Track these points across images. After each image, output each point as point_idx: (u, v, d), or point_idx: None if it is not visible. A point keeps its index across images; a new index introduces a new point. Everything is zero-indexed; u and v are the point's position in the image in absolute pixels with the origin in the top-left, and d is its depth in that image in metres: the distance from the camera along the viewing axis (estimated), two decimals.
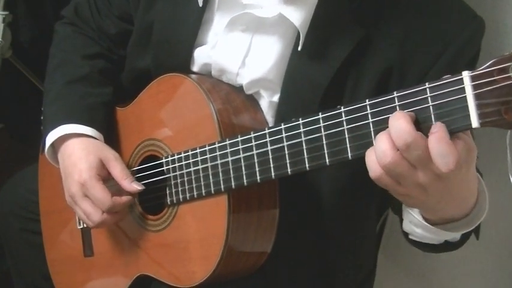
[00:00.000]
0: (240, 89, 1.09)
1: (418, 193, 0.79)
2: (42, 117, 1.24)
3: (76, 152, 1.15)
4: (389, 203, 1.12)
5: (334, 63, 0.99)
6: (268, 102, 1.07)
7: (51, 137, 1.18)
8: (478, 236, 0.99)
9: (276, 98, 1.06)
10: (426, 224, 0.92)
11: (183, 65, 1.12)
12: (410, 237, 1.00)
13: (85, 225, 1.27)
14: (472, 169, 0.81)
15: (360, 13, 0.98)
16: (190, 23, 1.10)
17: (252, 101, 1.09)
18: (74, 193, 1.13)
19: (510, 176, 0.79)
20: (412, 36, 0.98)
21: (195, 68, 1.13)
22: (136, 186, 1.11)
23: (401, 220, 1.01)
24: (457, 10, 1.00)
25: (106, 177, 1.13)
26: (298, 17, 0.98)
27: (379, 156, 0.76)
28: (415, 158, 0.74)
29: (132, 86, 1.22)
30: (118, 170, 1.12)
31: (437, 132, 0.73)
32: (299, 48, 0.99)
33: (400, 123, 0.74)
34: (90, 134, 1.17)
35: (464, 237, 0.97)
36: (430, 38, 0.97)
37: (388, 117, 0.76)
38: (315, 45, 1.00)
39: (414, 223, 0.95)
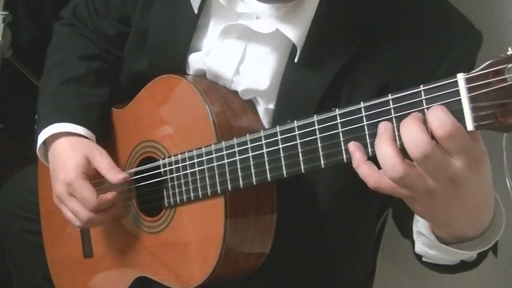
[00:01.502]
0: (236, 92, 1.09)
1: (427, 199, 0.75)
2: (36, 116, 1.24)
3: (64, 151, 1.15)
4: (398, 226, 1.10)
5: (329, 74, 0.99)
6: (264, 108, 1.07)
7: (43, 136, 1.18)
8: (496, 253, 0.94)
9: (271, 105, 1.06)
10: (440, 244, 0.87)
11: (178, 69, 1.12)
12: (423, 259, 0.97)
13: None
14: (486, 181, 0.77)
15: (356, 25, 0.98)
16: (185, 28, 1.10)
17: (250, 104, 1.09)
18: (60, 192, 1.13)
19: (507, 179, 0.78)
20: (409, 48, 0.97)
21: (190, 72, 1.13)
22: (120, 175, 1.09)
23: (412, 243, 0.98)
24: (454, 22, 0.99)
25: (93, 175, 1.13)
26: (295, 32, 0.98)
27: (387, 170, 0.73)
28: (432, 168, 0.71)
29: (130, 88, 1.22)
30: (103, 165, 1.12)
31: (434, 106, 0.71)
32: (295, 60, 0.99)
33: (417, 132, 0.71)
34: (81, 133, 1.17)
35: (481, 256, 0.93)
36: (428, 50, 0.96)
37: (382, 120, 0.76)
38: (311, 57, 0.99)
39: (427, 244, 0.91)
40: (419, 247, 0.95)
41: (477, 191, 0.76)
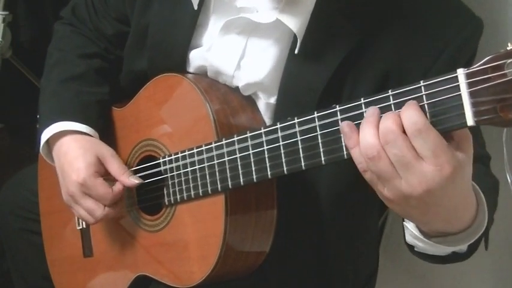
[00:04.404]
0: (237, 89, 1.09)
1: (402, 201, 0.77)
2: (38, 115, 1.24)
3: (72, 151, 1.15)
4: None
5: (330, 66, 0.99)
6: (265, 103, 1.07)
7: (45, 135, 1.18)
8: (487, 246, 0.95)
9: (273, 99, 1.06)
10: (423, 238, 0.89)
11: (179, 67, 1.12)
12: (415, 249, 0.97)
13: (84, 226, 1.27)
14: (466, 184, 0.79)
15: (356, 16, 0.98)
16: (185, 26, 1.10)
17: (250, 102, 1.09)
18: (74, 192, 1.13)
19: (507, 174, 0.79)
20: (410, 39, 0.97)
21: (190, 70, 1.13)
22: (134, 180, 1.12)
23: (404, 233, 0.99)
24: (455, 11, 0.99)
25: (103, 173, 1.14)
26: (295, 22, 0.98)
27: (363, 147, 0.76)
28: (394, 155, 0.74)
29: (130, 87, 1.22)
30: (115, 167, 1.13)
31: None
32: (296, 52, 0.99)
33: (388, 122, 0.74)
34: (85, 131, 1.17)
35: (472, 248, 0.93)
36: (429, 40, 0.97)
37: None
38: (312, 49, 0.99)
39: (414, 236, 0.92)
40: (408, 238, 0.96)
41: (453, 196, 0.77)
